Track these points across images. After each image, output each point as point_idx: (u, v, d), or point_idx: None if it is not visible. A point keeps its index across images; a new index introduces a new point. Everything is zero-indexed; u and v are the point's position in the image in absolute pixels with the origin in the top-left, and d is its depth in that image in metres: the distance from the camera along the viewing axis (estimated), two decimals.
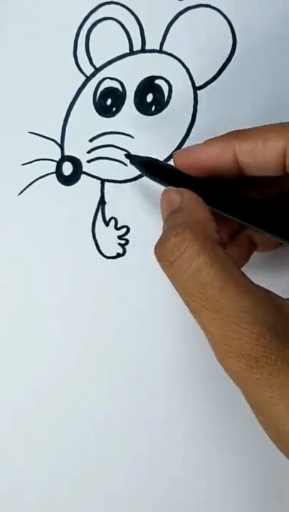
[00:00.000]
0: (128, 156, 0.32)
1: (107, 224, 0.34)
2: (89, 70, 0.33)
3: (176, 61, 0.33)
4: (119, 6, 0.33)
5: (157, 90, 0.33)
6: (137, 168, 0.31)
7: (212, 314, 0.22)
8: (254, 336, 0.21)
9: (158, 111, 0.33)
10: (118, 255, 0.34)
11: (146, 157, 0.31)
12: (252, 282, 0.23)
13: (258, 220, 0.26)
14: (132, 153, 0.33)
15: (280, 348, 0.20)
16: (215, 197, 0.27)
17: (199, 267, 0.22)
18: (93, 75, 0.33)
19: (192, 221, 0.24)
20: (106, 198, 0.33)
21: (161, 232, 0.25)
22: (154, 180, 0.30)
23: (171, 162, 0.32)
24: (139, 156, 0.32)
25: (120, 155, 0.33)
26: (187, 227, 0.23)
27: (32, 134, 0.33)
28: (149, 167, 0.30)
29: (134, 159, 0.31)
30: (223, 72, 0.33)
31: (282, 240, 0.26)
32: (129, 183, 0.34)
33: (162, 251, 0.24)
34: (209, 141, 0.26)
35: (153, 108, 0.33)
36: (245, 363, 0.21)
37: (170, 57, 0.33)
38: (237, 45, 0.33)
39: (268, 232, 0.26)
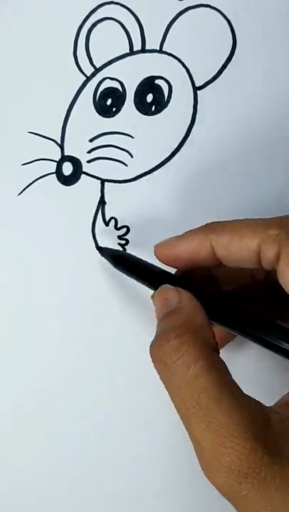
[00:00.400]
0: (98, 248, 0.33)
1: (107, 224, 0.34)
2: (89, 70, 0.33)
3: (176, 61, 0.33)
4: (119, 6, 0.33)
5: (157, 90, 0.33)
6: (109, 261, 0.32)
7: (203, 425, 0.22)
8: (246, 452, 0.20)
9: (158, 111, 0.33)
10: None
11: (117, 250, 0.32)
12: (243, 392, 0.23)
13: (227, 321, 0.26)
14: (133, 154, 0.33)
15: (269, 464, 0.20)
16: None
17: (197, 373, 0.22)
18: (93, 75, 0.33)
19: (192, 324, 0.24)
20: (106, 198, 0.33)
21: (155, 331, 0.25)
22: (124, 273, 0.30)
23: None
24: (109, 248, 0.32)
25: (120, 155, 0.33)
26: (187, 331, 0.23)
27: (32, 134, 0.33)
28: (120, 260, 0.31)
29: (105, 252, 0.32)
30: (223, 72, 0.33)
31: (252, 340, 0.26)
32: (129, 183, 0.34)
33: (159, 351, 0.24)
34: (187, 234, 0.27)
35: (153, 108, 0.33)
36: (233, 479, 0.21)
37: (170, 57, 0.33)
38: (237, 45, 0.33)
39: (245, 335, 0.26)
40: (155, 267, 0.29)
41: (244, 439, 0.21)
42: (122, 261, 0.31)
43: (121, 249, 0.34)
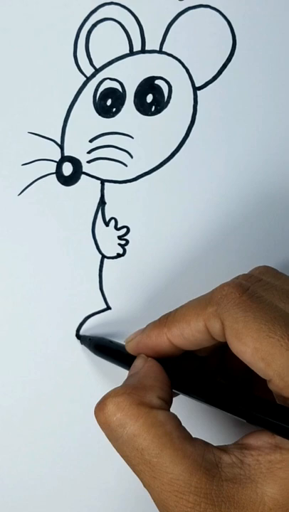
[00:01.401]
0: (78, 336, 0.33)
1: (107, 224, 0.34)
2: (89, 70, 0.33)
3: (176, 61, 0.33)
4: (119, 7, 0.33)
5: (157, 91, 0.33)
6: (88, 349, 0.33)
7: (150, 480, 0.23)
8: (190, 505, 0.22)
9: (158, 111, 0.34)
10: (118, 255, 0.34)
11: (97, 337, 0.33)
12: (191, 441, 0.24)
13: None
14: (133, 154, 0.33)
15: None
16: None
17: (135, 432, 0.24)
18: (93, 75, 0.33)
19: (135, 386, 0.26)
20: (106, 199, 0.34)
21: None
22: (105, 359, 0.32)
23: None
24: (88, 336, 0.33)
25: (120, 155, 0.33)
26: (127, 392, 0.25)
27: (32, 134, 0.33)
28: (100, 348, 0.32)
29: (84, 339, 0.33)
30: (223, 72, 0.33)
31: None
32: (129, 183, 0.34)
33: (100, 413, 0.25)
34: (147, 330, 0.28)
35: (153, 108, 0.33)
36: None
37: (170, 58, 0.33)
38: (237, 45, 0.33)
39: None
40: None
41: (186, 493, 0.22)
42: (102, 348, 0.32)
43: (121, 249, 0.34)
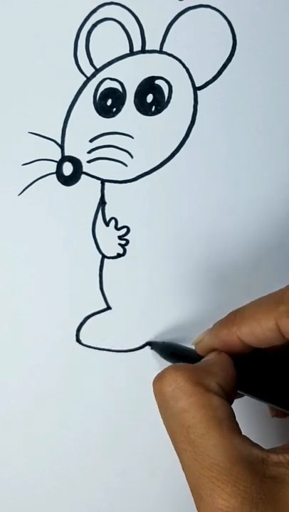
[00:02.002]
0: (149, 343, 0.33)
1: (107, 224, 0.34)
2: (89, 70, 0.33)
3: (176, 61, 0.33)
4: (119, 7, 0.33)
5: (157, 91, 0.33)
6: (160, 355, 0.33)
7: (190, 461, 0.22)
8: (225, 496, 0.21)
9: (158, 111, 0.34)
10: (118, 255, 0.34)
11: (168, 342, 0.33)
12: (240, 435, 0.23)
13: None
14: (133, 154, 0.33)
15: (251, 510, 0.21)
16: None
17: (186, 407, 0.23)
18: (93, 75, 0.33)
19: (198, 367, 0.26)
20: (106, 199, 0.34)
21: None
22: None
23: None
24: (160, 342, 0.33)
25: (120, 155, 0.33)
26: (188, 369, 0.25)
27: (32, 134, 0.33)
28: (172, 354, 0.32)
29: (155, 345, 0.33)
30: (223, 72, 0.33)
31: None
32: (129, 183, 0.34)
33: (157, 380, 0.25)
34: (215, 330, 0.28)
35: (153, 108, 0.33)
36: None
37: (170, 58, 0.33)
38: (237, 45, 0.33)
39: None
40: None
41: (225, 481, 0.21)
42: (174, 354, 0.32)
43: (121, 249, 0.34)
